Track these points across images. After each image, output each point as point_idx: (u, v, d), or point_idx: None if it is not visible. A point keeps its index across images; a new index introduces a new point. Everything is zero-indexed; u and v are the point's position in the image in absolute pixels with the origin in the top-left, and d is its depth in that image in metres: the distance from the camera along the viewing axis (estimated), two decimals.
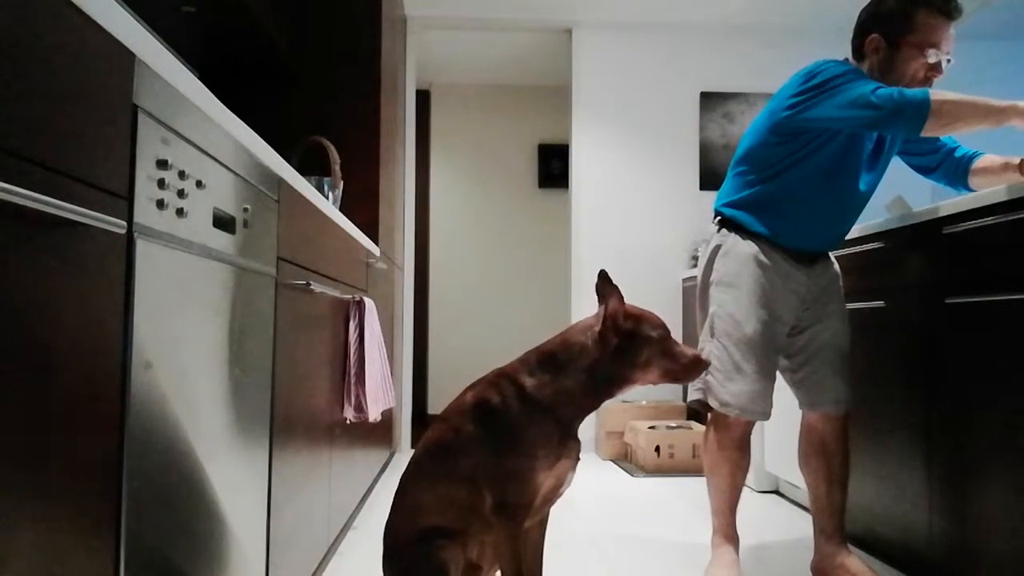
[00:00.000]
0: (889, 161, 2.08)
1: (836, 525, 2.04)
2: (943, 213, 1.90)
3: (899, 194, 2.76)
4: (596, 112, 4.43)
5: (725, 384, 1.98)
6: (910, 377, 2.06)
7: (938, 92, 1.80)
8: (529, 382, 1.49)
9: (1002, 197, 1.69)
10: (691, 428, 3.81)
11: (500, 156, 5.82)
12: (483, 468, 1.45)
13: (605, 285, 1.52)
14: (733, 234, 2.03)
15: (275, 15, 2.73)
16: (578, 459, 1.55)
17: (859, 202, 2.05)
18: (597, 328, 1.51)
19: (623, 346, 1.50)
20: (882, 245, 2.17)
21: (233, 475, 1.25)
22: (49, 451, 0.73)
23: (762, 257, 1.98)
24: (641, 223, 4.42)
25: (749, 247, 2.00)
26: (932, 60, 1.91)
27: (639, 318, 1.53)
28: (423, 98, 5.40)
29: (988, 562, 1.74)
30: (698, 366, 1.56)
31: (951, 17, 1.90)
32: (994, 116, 1.75)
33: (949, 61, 1.93)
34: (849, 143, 1.93)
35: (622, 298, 1.51)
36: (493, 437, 1.46)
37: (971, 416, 1.81)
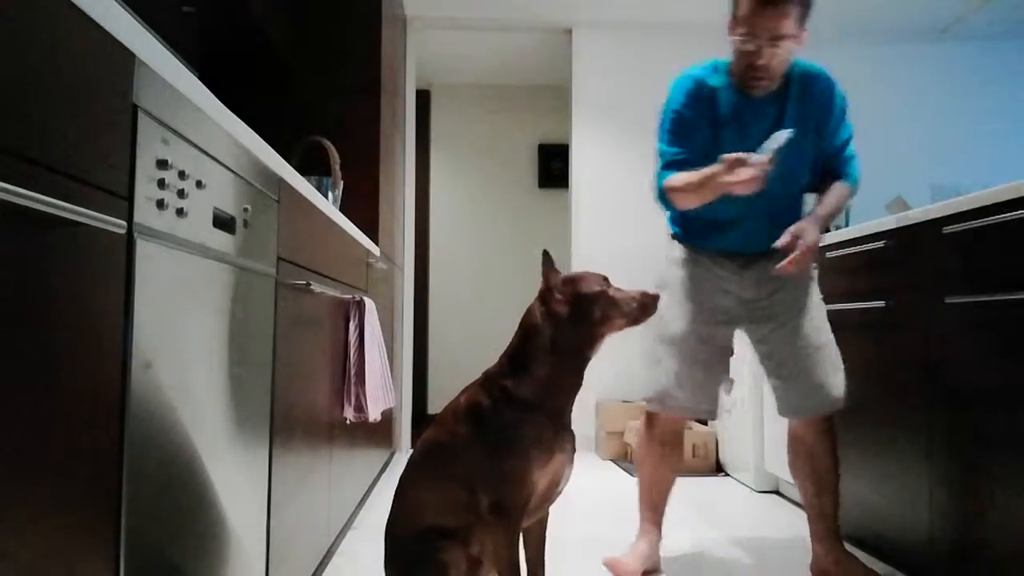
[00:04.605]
0: (806, 154, 1.97)
1: (828, 527, 2.04)
2: (943, 213, 1.90)
3: (899, 194, 2.76)
4: (596, 112, 4.43)
5: (647, 378, 2.07)
6: (910, 377, 2.06)
7: (670, 179, 1.92)
8: (510, 383, 1.51)
9: (1002, 197, 1.69)
10: (691, 428, 3.81)
11: (500, 156, 5.82)
12: (478, 470, 1.46)
13: (544, 264, 1.56)
14: (673, 242, 2.15)
15: (275, 15, 2.73)
16: (573, 451, 1.57)
17: (770, 202, 1.94)
18: (542, 306, 1.56)
19: (575, 311, 1.54)
20: (882, 245, 2.17)
21: (233, 475, 1.25)
22: (49, 451, 0.73)
23: (686, 257, 2.09)
24: (641, 223, 4.41)
25: (679, 251, 2.11)
26: (747, 47, 1.84)
27: (576, 280, 1.58)
28: (423, 98, 5.40)
29: (988, 562, 1.74)
30: (650, 301, 1.60)
31: (763, 2, 1.78)
32: (705, 190, 1.83)
33: (776, 47, 1.82)
34: (715, 152, 1.83)
35: (556, 271, 1.56)
36: (486, 439, 1.47)
37: (971, 416, 1.81)
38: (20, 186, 0.65)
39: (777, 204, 1.99)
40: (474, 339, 5.64)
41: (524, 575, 1.55)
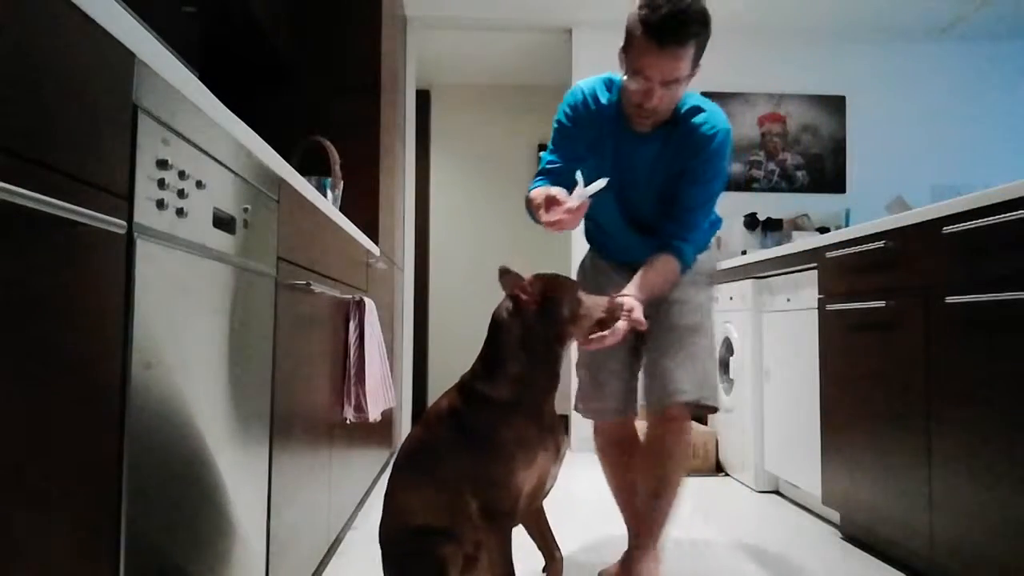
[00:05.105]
0: (675, 179, 1.88)
1: (652, 533, 1.93)
2: (943, 213, 1.90)
3: (899, 194, 2.76)
4: None
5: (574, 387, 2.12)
6: (910, 376, 2.06)
7: (534, 189, 1.81)
8: (485, 388, 1.52)
9: (1002, 197, 1.69)
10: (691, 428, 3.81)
11: (500, 156, 5.81)
12: (463, 475, 1.46)
13: (503, 276, 1.55)
14: (588, 249, 2.22)
15: (275, 15, 2.73)
16: (558, 449, 1.56)
17: (636, 224, 1.96)
18: (508, 305, 1.56)
19: (544, 307, 1.55)
20: (882, 245, 2.17)
21: (233, 475, 1.25)
22: (49, 451, 0.73)
23: (588, 262, 2.18)
24: None
25: (588, 258, 2.20)
26: (635, 87, 1.74)
27: (545, 278, 1.58)
28: (423, 98, 5.40)
29: (988, 562, 1.74)
30: (615, 307, 1.62)
31: (660, 45, 1.66)
32: (537, 214, 1.72)
33: (669, 89, 1.73)
34: (593, 174, 1.71)
35: (519, 276, 1.56)
36: (470, 444, 1.48)
37: (971, 416, 1.81)
38: (20, 186, 0.65)
39: (651, 223, 1.93)
40: (474, 339, 5.61)
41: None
